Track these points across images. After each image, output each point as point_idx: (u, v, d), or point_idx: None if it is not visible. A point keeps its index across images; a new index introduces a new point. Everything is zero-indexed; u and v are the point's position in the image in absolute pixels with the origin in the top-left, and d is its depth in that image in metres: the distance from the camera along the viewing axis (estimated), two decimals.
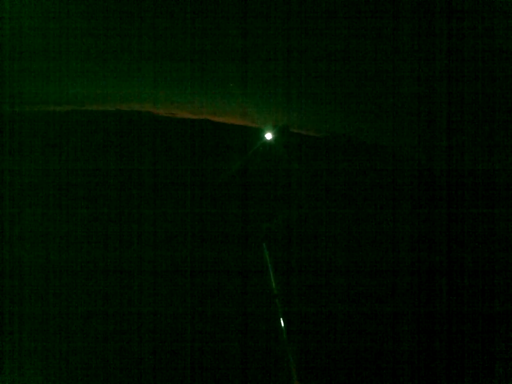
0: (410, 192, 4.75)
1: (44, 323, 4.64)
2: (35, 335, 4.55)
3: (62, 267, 4.67)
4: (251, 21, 4.69)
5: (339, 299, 4.67)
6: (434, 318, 4.66)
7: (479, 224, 4.68)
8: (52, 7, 4.59)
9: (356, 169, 4.91)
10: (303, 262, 4.70)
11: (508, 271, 4.62)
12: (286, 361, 4.26)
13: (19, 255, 4.60)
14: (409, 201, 4.74)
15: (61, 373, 4.26)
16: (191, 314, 4.73)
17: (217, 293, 4.75)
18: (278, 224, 5.07)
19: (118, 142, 5.16)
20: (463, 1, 4.70)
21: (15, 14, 4.51)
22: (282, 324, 4.45)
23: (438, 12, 4.74)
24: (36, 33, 4.58)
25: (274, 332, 4.55)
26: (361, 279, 4.66)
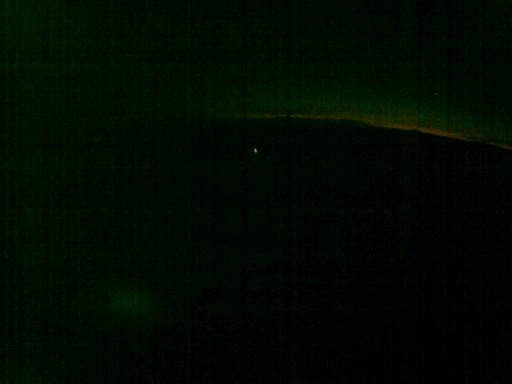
0: (410, 192, 4.75)
1: (44, 323, 4.64)
2: (35, 335, 4.55)
3: (62, 267, 4.67)
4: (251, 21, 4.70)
5: (339, 299, 4.68)
6: (434, 318, 4.66)
7: (479, 224, 4.68)
8: (52, 7, 4.60)
9: (356, 168, 4.92)
10: (303, 262, 4.70)
11: (508, 271, 4.63)
12: (286, 361, 4.26)
13: (19, 255, 4.60)
14: (409, 201, 4.75)
15: (60, 373, 4.26)
16: (191, 314, 4.73)
17: (217, 293, 4.75)
18: (277, 223, 5.07)
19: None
20: (463, 1, 4.70)
21: (15, 14, 4.51)
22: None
23: (438, 11, 4.74)
24: (36, 33, 4.58)
25: (274, 331, 4.55)
26: (361, 279, 4.67)
